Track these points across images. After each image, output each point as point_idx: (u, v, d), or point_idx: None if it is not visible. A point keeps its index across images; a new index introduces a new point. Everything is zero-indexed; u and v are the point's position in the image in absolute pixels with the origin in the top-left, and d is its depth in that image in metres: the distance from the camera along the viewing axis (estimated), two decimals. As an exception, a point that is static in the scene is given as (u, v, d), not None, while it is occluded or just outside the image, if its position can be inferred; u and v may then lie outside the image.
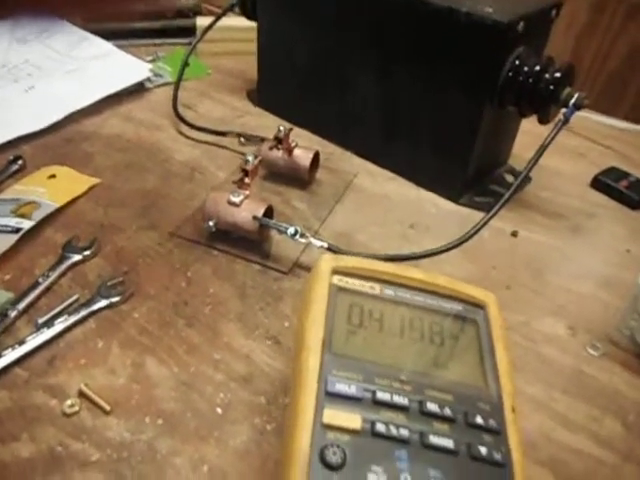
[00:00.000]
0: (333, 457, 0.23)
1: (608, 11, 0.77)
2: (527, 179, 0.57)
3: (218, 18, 0.67)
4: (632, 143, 0.67)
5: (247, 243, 0.45)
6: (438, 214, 0.52)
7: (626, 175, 0.57)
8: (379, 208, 0.52)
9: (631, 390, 0.37)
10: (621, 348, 0.39)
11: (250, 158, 0.44)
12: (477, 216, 0.46)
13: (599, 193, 0.57)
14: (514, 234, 0.49)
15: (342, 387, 0.25)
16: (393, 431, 0.24)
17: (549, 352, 0.39)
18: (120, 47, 0.73)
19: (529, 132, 0.50)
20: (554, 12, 0.49)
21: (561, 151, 0.63)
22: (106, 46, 0.71)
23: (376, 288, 0.31)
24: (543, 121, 0.47)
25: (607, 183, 0.56)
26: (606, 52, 0.79)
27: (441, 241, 0.43)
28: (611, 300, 0.43)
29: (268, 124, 0.62)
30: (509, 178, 0.57)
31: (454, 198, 0.53)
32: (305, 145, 0.53)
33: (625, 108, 0.80)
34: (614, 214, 0.54)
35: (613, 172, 0.58)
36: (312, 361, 0.26)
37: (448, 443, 0.24)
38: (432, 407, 0.25)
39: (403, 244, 0.47)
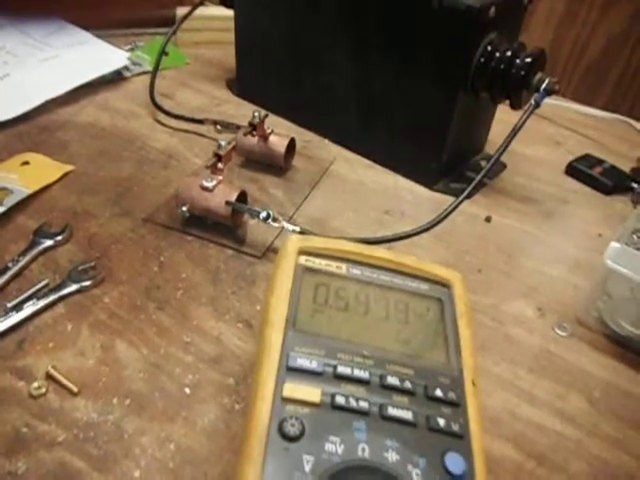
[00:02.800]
0: (291, 429, 0.23)
1: (586, 1, 0.78)
2: (502, 166, 0.58)
3: (195, 7, 0.67)
4: (609, 132, 0.67)
5: (221, 228, 0.45)
6: (414, 200, 0.52)
7: (600, 162, 0.58)
8: (355, 195, 0.52)
9: (598, 368, 0.37)
10: (589, 329, 0.40)
11: (223, 143, 0.44)
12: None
13: (573, 180, 0.57)
14: (487, 219, 0.50)
15: (303, 362, 0.26)
16: (352, 403, 0.24)
17: (517, 333, 0.39)
18: (99, 37, 0.72)
19: (506, 121, 0.51)
20: (527, -1, 0.49)
21: (538, 139, 0.64)
22: (84, 34, 0.71)
23: (342, 268, 0.31)
24: (515, 106, 0.48)
25: (581, 169, 0.57)
26: (584, 42, 0.80)
27: (416, 226, 0.44)
28: (581, 283, 0.44)
29: (246, 113, 0.61)
30: (485, 165, 0.57)
31: (429, 184, 0.53)
32: (283, 133, 0.54)
33: (604, 98, 0.80)
34: (587, 200, 0.55)
35: (587, 159, 0.58)
36: (274, 337, 0.27)
37: (407, 415, 0.24)
38: (392, 380, 0.26)
39: (378, 229, 0.48)
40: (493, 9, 0.44)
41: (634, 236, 0.43)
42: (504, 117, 0.55)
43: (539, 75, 0.46)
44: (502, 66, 0.46)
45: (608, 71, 0.80)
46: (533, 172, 0.58)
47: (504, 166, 0.58)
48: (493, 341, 0.38)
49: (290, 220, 0.47)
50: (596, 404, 0.35)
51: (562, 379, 0.36)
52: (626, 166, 0.58)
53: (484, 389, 0.35)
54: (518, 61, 0.46)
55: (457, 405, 0.26)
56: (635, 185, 0.55)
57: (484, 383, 0.35)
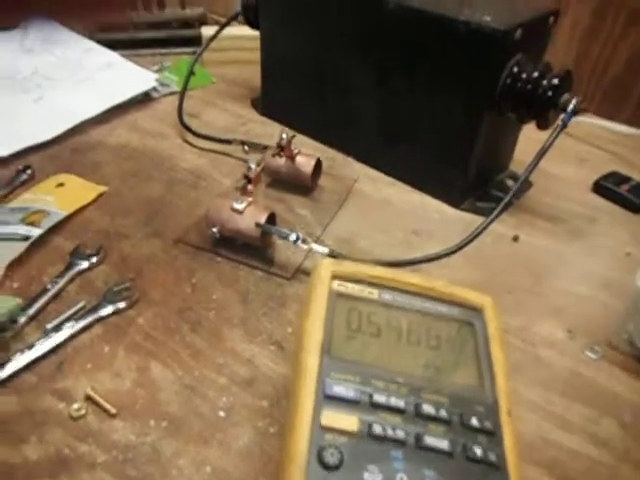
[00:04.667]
0: (331, 458, 0.23)
1: (609, 17, 0.77)
2: (528, 184, 0.58)
3: (222, 27, 0.68)
4: (634, 148, 0.67)
5: (250, 250, 0.46)
6: (441, 220, 0.53)
7: (627, 179, 0.58)
8: (381, 214, 0.52)
9: (629, 392, 0.37)
10: (620, 351, 0.40)
11: (252, 165, 0.45)
12: (480, 221, 0.47)
13: (600, 197, 0.57)
14: (515, 239, 0.50)
15: (340, 389, 0.26)
16: (389, 432, 0.25)
17: (548, 355, 0.39)
18: (126, 57, 0.74)
19: (531, 138, 0.51)
20: (552, 19, 0.50)
21: (563, 157, 0.64)
22: (113, 56, 0.73)
23: (374, 293, 0.32)
24: (542, 126, 0.48)
25: (608, 187, 0.56)
26: (608, 57, 0.80)
27: (444, 247, 0.44)
28: (611, 303, 0.44)
29: (272, 132, 0.63)
30: (510, 183, 0.57)
31: (455, 203, 0.54)
32: (308, 152, 0.54)
33: (627, 113, 0.80)
34: (615, 218, 0.54)
35: (614, 176, 0.58)
36: (311, 364, 0.27)
37: (443, 444, 0.25)
38: (428, 409, 0.26)
39: (406, 250, 0.48)
40: (519, 31, 0.45)
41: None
42: (528, 134, 0.55)
43: (566, 95, 0.46)
44: (529, 87, 0.46)
45: (632, 86, 0.79)
46: (559, 190, 0.58)
47: (530, 184, 0.57)
48: (524, 364, 0.38)
49: (318, 241, 0.47)
50: (628, 428, 0.35)
51: (594, 403, 0.36)
52: (654, 183, 0.58)
53: (516, 414, 0.34)
54: (545, 82, 0.46)
55: (493, 434, 0.26)
56: (663, 203, 0.54)
57: (516, 408, 0.35)
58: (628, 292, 0.40)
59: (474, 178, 0.53)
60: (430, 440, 0.25)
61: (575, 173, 0.61)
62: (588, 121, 0.69)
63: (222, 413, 0.34)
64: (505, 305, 0.43)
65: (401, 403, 0.26)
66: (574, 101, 0.45)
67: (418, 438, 0.25)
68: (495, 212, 0.45)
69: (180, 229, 0.48)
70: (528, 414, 0.35)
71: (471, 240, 0.44)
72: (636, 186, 0.56)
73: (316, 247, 0.43)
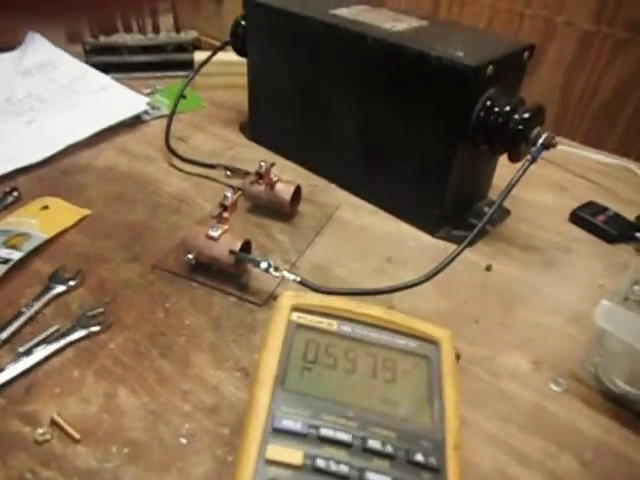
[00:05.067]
0: (272, 492, 0.24)
1: (595, 46, 0.79)
2: (506, 212, 0.58)
3: (213, 54, 0.70)
4: (618, 177, 0.67)
5: (225, 276, 0.46)
6: (417, 248, 0.53)
7: (604, 209, 0.58)
8: (358, 241, 0.53)
9: (591, 428, 0.37)
10: (585, 385, 0.40)
11: (229, 194, 0.46)
12: (454, 249, 0.47)
13: (577, 227, 0.58)
14: (488, 268, 0.51)
15: (288, 423, 0.27)
16: (333, 467, 0.25)
17: (511, 387, 0.39)
18: (120, 80, 0.76)
19: (512, 166, 0.52)
20: (526, 54, 0.51)
21: (543, 184, 0.64)
22: (106, 80, 0.75)
23: (334, 325, 0.32)
24: (513, 159, 0.49)
25: (585, 217, 0.57)
26: (594, 86, 0.81)
27: (418, 274, 0.45)
28: (579, 336, 0.44)
29: (257, 156, 0.63)
30: (487, 210, 0.58)
31: (431, 231, 0.54)
32: (290, 177, 0.55)
33: (614, 141, 0.81)
34: (590, 249, 0.55)
35: (591, 206, 0.59)
36: (262, 397, 0.28)
37: (386, 480, 0.25)
38: (374, 444, 0.27)
39: (380, 278, 0.49)
40: (491, 67, 0.46)
41: (635, 287, 0.43)
42: (508, 162, 0.56)
43: (537, 130, 0.47)
44: (501, 120, 0.47)
45: (618, 114, 0.80)
46: (537, 219, 0.58)
47: (508, 213, 0.58)
48: (486, 395, 0.39)
49: (293, 267, 0.48)
50: (588, 465, 0.35)
51: (555, 438, 0.36)
52: (631, 214, 0.58)
53: (474, 446, 0.35)
54: (516, 116, 0.47)
55: (437, 471, 0.26)
56: (639, 234, 0.55)
57: (474, 440, 0.35)
58: (594, 324, 0.40)
59: (450, 206, 0.54)
60: (373, 476, 0.25)
61: (554, 202, 0.62)
62: (573, 151, 0.70)
63: (184, 440, 0.34)
64: (471, 335, 0.43)
65: (348, 437, 0.27)
66: (544, 135, 0.46)
67: (361, 473, 0.25)
68: (466, 240, 0.46)
69: (159, 253, 0.49)
70: (486, 447, 0.35)
71: (442, 269, 0.44)
72: (613, 217, 0.57)
73: (287, 275, 0.44)
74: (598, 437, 0.37)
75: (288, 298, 0.33)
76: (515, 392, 0.39)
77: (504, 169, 0.58)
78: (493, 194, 0.61)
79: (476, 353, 0.42)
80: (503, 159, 0.58)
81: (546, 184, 0.65)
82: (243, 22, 0.65)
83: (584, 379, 0.40)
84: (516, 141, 0.47)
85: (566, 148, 0.69)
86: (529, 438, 0.36)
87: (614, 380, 0.38)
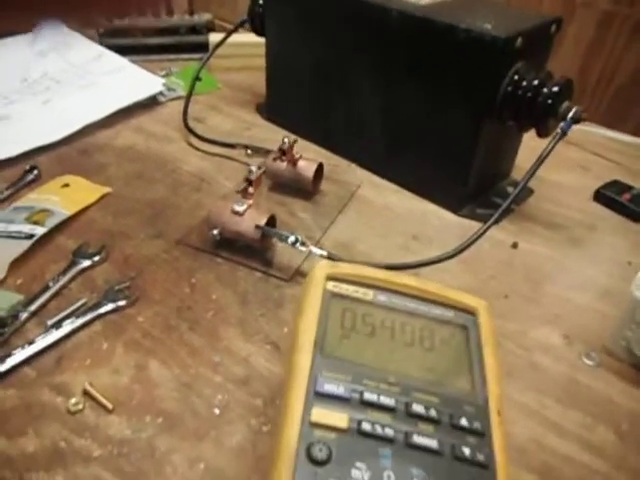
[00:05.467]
0: (319, 453, 0.24)
1: (614, 27, 0.78)
2: (529, 191, 0.58)
3: (229, 34, 0.69)
4: (638, 156, 0.67)
5: (251, 251, 0.46)
6: (441, 226, 0.53)
7: (629, 188, 0.58)
8: (381, 219, 0.53)
9: (626, 399, 0.37)
10: (617, 358, 0.40)
11: (254, 168, 0.46)
12: (479, 228, 0.47)
13: (601, 206, 0.57)
14: (514, 245, 0.50)
15: (331, 387, 0.26)
16: (378, 430, 0.25)
17: (543, 361, 0.39)
18: (135, 62, 0.75)
19: (534, 147, 0.51)
20: (554, 27, 0.50)
21: (565, 165, 0.64)
22: (121, 61, 0.74)
23: (369, 294, 0.32)
24: (541, 134, 0.48)
25: (609, 196, 0.56)
26: (613, 68, 0.80)
27: (443, 252, 0.44)
28: (609, 311, 0.44)
29: (276, 137, 0.63)
30: (511, 190, 0.57)
31: (455, 210, 0.54)
32: (311, 157, 0.55)
33: (633, 123, 0.80)
34: (615, 227, 0.54)
35: (616, 185, 0.58)
36: (303, 362, 0.27)
37: (432, 443, 0.25)
38: (418, 408, 0.26)
39: (405, 255, 0.48)
40: (520, 39, 0.45)
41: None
42: (531, 143, 0.55)
43: (566, 104, 0.46)
44: (529, 95, 0.46)
45: (637, 96, 0.79)
46: (560, 198, 0.58)
47: (531, 192, 0.58)
48: (519, 369, 0.38)
49: (317, 244, 0.48)
50: (624, 436, 0.34)
51: (589, 410, 0.36)
52: (656, 193, 0.58)
53: (509, 418, 0.35)
54: (545, 90, 0.46)
55: (482, 435, 0.26)
56: (665, 212, 0.54)
57: (509, 412, 0.35)
58: (626, 298, 0.40)
59: (475, 185, 0.53)
60: (419, 439, 0.25)
61: (577, 181, 0.61)
62: (592, 130, 0.69)
63: (217, 410, 0.34)
64: (501, 310, 0.43)
65: (391, 402, 0.26)
66: (574, 109, 0.46)
67: (407, 436, 0.25)
68: (494, 217, 0.45)
69: (183, 230, 0.49)
70: (522, 419, 0.35)
71: (469, 245, 0.44)
72: (637, 195, 0.56)
73: (315, 250, 0.43)
74: (633, 408, 0.36)
75: (323, 267, 0.32)
76: (548, 366, 0.39)
77: (525, 151, 0.58)
78: (516, 175, 0.60)
79: (507, 327, 0.41)
80: (526, 140, 0.58)
81: (568, 164, 0.64)
82: (261, 0, 0.64)
83: (616, 353, 0.40)
84: (545, 116, 0.46)
85: (587, 128, 0.68)
86: (564, 410, 0.36)
87: (648, 353, 0.38)
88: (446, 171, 0.53)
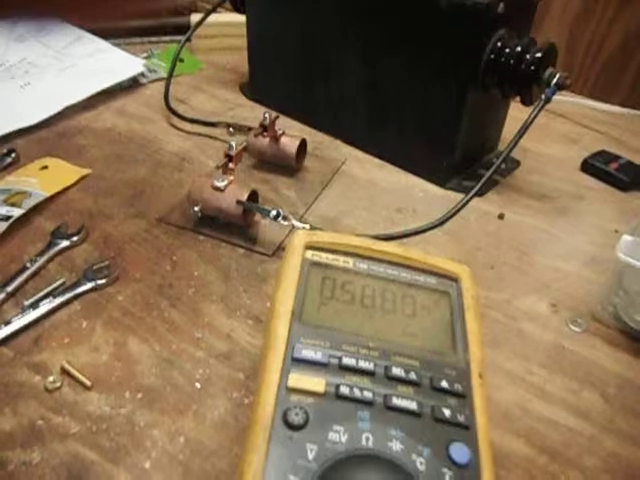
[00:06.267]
0: (295, 417, 0.23)
1: (601, -1, 0.77)
2: (516, 163, 0.57)
3: (208, 13, 0.68)
4: (626, 128, 0.66)
5: (233, 228, 0.45)
6: (426, 198, 0.52)
7: (616, 157, 0.57)
8: (366, 194, 0.52)
9: (613, 363, 0.37)
10: (604, 324, 0.39)
11: (233, 144, 0.45)
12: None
13: (589, 176, 0.57)
14: (500, 216, 0.50)
15: (308, 353, 0.26)
16: (357, 393, 0.24)
17: (530, 328, 0.39)
18: (116, 45, 0.74)
19: (521, 119, 0.50)
20: (536, -6, 0.49)
21: (553, 137, 0.63)
22: (101, 43, 0.73)
23: (349, 262, 0.31)
24: (526, 102, 0.47)
25: (596, 165, 0.56)
26: (601, 39, 0.79)
27: (427, 223, 0.44)
28: (596, 278, 0.43)
29: (259, 115, 0.62)
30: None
31: (441, 183, 0.53)
32: (295, 134, 0.54)
33: (621, 95, 0.79)
34: (603, 196, 0.54)
35: (603, 155, 0.57)
36: (281, 329, 0.27)
37: (411, 405, 0.24)
38: (397, 371, 0.26)
39: (390, 227, 0.48)
40: (502, 5, 0.44)
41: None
42: (518, 115, 0.54)
43: (550, 70, 0.46)
44: (512, 62, 0.46)
45: (625, 68, 0.79)
46: (548, 169, 0.57)
47: (518, 164, 0.57)
48: (505, 337, 0.38)
49: (301, 219, 0.47)
50: (611, 400, 0.34)
51: (576, 375, 0.36)
52: (643, 162, 0.57)
53: (495, 384, 0.34)
54: (528, 56, 0.45)
55: (463, 396, 0.25)
56: (653, 180, 0.54)
57: (495, 378, 0.35)
58: (613, 264, 0.39)
59: (460, 157, 0.53)
60: (398, 401, 0.24)
61: (565, 153, 0.60)
62: (580, 102, 0.69)
63: (198, 385, 0.33)
64: (487, 280, 0.42)
65: (370, 366, 0.26)
66: (558, 75, 0.45)
67: (386, 399, 0.24)
68: (477, 187, 0.45)
69: (164, 209, 0.48)
70: (507, 384, 0.35)
71: (452, 215, 0.43)
72: (625, 164, 0.56)
73: (297, 224, 0.43)
74: (620, 372, 0.36)
75: (301, 236, 0.32)
76: (534, 333, 0.38)
77: (513, 123, 0.57)
78: (503, 148, 0.59)
79: (493, 297, 0.41)
80: (512, 113, 0.57)
81: (555, 136, 0.63)
82: (240, -24, 0.63)
83: (603, 319, 0.40)
84: (529, 82, 0.46)
85: (574, 100, 0.68)
86: (550, 375, 0.35)
87: (635, 317, 0.38)
88: (431, 143, 0.52)
